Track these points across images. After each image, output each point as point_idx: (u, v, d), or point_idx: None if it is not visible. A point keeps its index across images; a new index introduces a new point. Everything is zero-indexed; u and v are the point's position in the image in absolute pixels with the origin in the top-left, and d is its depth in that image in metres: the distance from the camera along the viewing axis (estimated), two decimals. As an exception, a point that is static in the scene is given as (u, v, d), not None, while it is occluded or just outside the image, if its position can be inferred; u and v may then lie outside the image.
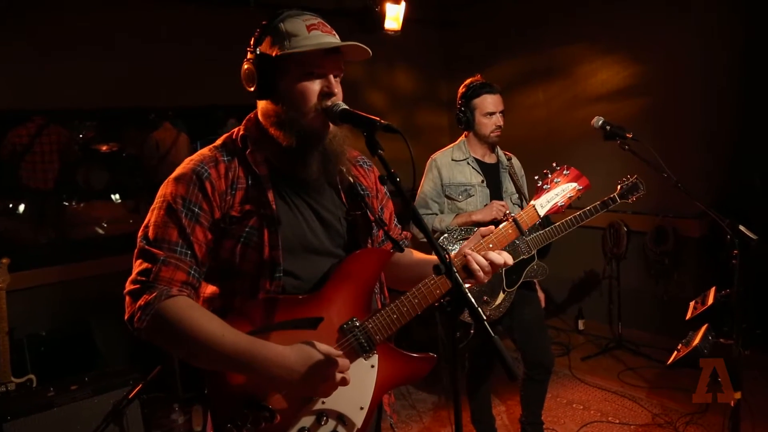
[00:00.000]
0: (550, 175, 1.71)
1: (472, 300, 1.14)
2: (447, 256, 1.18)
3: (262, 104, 1.40)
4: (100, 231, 4.26)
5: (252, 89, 1.35)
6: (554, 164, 1.74)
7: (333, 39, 1.33)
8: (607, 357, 4.31)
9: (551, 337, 4.54)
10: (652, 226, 4.30)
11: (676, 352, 2.50)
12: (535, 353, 2.87)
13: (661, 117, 4.19)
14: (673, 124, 4.12)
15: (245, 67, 1.36)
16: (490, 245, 1.50)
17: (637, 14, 4.25)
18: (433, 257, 1.45)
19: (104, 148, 4.32)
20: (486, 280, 1.44)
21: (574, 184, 1.71)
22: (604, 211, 2.65)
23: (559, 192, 1.70)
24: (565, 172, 1.72)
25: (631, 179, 2.69)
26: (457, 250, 1.49)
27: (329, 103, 1.32)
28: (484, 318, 1.11)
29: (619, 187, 2.70)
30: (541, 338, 2.90)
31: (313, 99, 1.32)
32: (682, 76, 4.10)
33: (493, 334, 1.10)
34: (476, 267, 1.42)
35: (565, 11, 4.70)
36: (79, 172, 4.15)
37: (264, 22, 1.37)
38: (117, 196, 4.38)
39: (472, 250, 1.45)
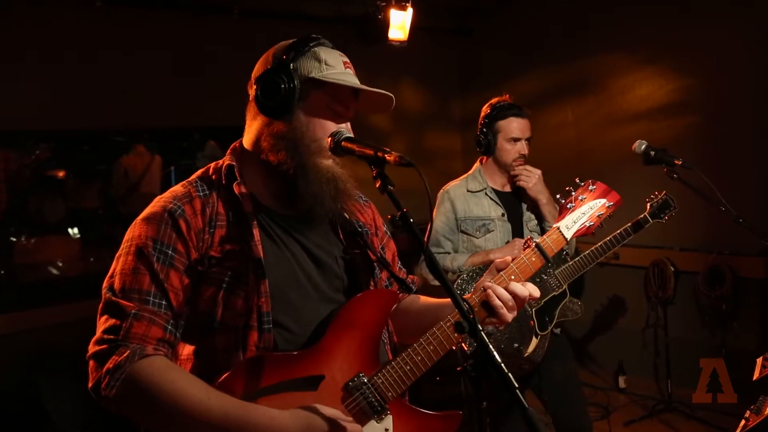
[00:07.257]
0: (574, 192, 1.68)
1: (501, 363, 1.12)
2: (469, 309, 1.16)
3: (264, 122, 1.39)
4: (55, 272, 4.20)
5: (267, 102, 1.35)
6: (577, 179, 1.72)
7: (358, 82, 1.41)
8: (655, 421, 4.22)
9: (586, 396, 4.44)
10: (704, 265, 4.24)
11: (744, 421, 2.41)
12: (569, 417, 2.83)
13: (711, 140, 4.17)
14: (727, 149, 4.10)
15: (269, 76, 1.35)
16: (512, 277, 1.47)
17: (685, 19, 4.27)
18: (447, 300, 1.43)
19: (61, 174, 4.29)
20: (510, 319, 1.40)
21: (603, 200, 1.68)
22: (636, 233, 2.65)
23: (587, 210, 1.66)
24: (591, 187, 1.69)
25: (660, 195, 2.73)
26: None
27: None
28: (516, 386, 1.09)
29: (648, 205, 2.70)
30: (575, 398, 2.87)
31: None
32: (736, 93, 4.09)
33: (527, 405, 1.08)
34: (498, 303, 1.39)
35: (597, 16, 4.73)
36: (31, 201, 4.11)
37: (293, 40, 1.40)
38: (75, 230, 4.34)
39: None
